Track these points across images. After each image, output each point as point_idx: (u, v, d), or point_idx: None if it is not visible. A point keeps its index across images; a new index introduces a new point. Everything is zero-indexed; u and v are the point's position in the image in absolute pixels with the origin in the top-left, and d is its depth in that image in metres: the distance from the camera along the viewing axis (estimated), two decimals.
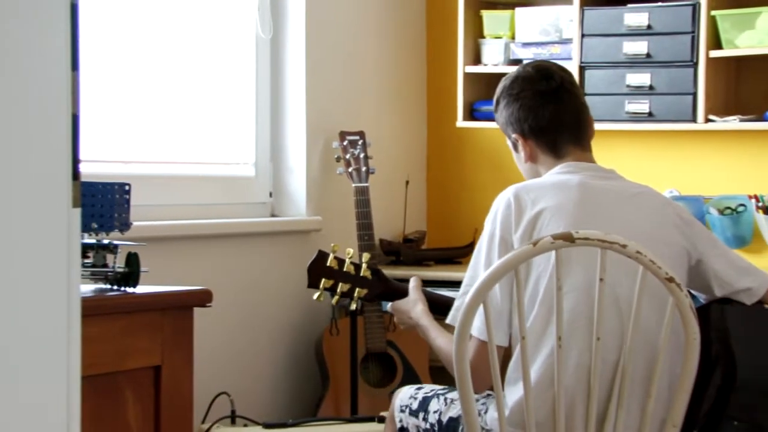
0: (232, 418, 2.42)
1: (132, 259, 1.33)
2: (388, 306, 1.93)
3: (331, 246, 1.89)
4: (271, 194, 2.91)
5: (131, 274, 1.33)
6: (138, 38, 2.57)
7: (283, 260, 2.82)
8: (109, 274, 1.35)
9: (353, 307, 1.98)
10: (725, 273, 1.75)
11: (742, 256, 1.86)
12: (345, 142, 2.87)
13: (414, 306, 1.83)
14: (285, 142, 2.92)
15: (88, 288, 1.36)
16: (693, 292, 1.79)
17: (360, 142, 2.87)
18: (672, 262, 1.65)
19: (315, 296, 1.88)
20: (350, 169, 2.85)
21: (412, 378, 2.77)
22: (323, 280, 1.85)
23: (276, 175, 2.92)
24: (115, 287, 1.36)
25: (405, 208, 3.13)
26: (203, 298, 1.35)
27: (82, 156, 2.36)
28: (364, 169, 2.86)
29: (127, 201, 1.33)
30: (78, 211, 0.67)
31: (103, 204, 1.27)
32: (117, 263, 1.33)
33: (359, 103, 3.09)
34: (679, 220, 1.75)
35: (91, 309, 1.18)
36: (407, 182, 3.13)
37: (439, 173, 3.33)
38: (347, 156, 2.86)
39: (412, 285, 1.87)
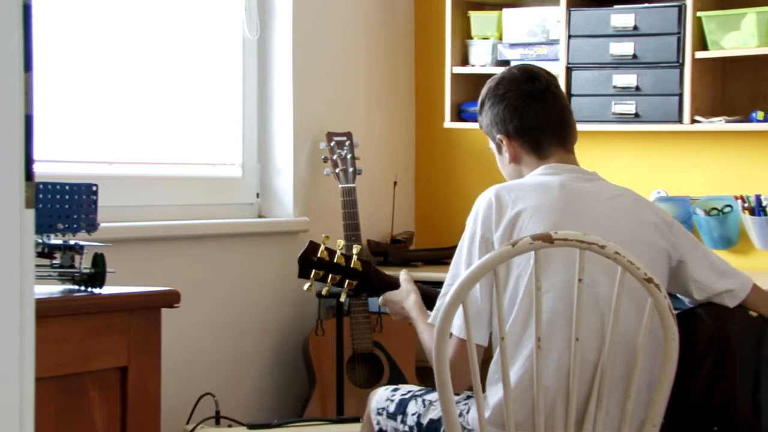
0: (217, 418, 2.42)
1: (98, 260, 1.33)
2: (380, 300, 1.92)
3: (322, 237, 1.89)
4: (258, 195, 2.91)
5: (97, 274, 1.33)
6: (126, 39, 2.57)
7: (270, 261, 2.82)
8: (76, 275, 1.36)
9: (343, 298, 1.98)
10: (704, 276, 1.75)
11: (723, 259, 1.85)
12: (332, 143, 2.87)
13: (407, 296, 1.84)
14: (272, 142, 2.92)
15: (56, 289, 1.35)
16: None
17: (347, 143, 2.87)
18: (652, 263, 1.65)
19: (305, 287, 1.88)
20: (337, 170, 2.85)
21: (398, 378, 2.78)
22: (313, 271, 1.85)
23: (263, 175, 2.92)
24: (82, 288, 1.35)
25: (393, 209, 3.14)
26: (170, 299, 1.35)
27: (67, 157, 2.38)
28: (351, 169, 2.86)
29: (95, 202, 1.32)
30: (31, 212, 0.67)
31: (69, 205, 1.27)
32: (83, 264, 1.33)
33: (347, 103, 3.09)
34: (660, 222, 1.75)
35: (54, 310, 1.18)
36: (395, 183, 3.13)
37: (427, 174, 3.34)
38: (334, 157, 2.86)
39: (404, 277, 1.88)
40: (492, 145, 1.85)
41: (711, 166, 2.94)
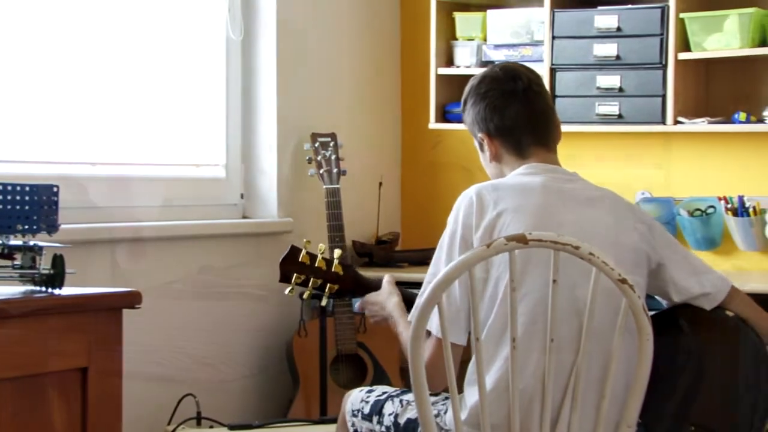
0: (198, 419, 2.41)
1: (57, 261, 1.33)
2: (358, 304, 1.93)
3: (303, 242, 1.89)
4: (242, 196, 2.91)
5: (56, 275, 1.33)
6: (111, 39, 2.57)
7: (253, 262, 2.82)
8: (36, 276, 1.36)
9: (324, 302, 1.98)
10: (683, 279, 1.75)
11: (702, 261, 1.86)
12: (316, 144, 2.86)
13: (388, 297, 1.84)
14: (256, 143, 2.91)
15: (17, 290, 1.36)
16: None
17: (331, 144, 2.87)
18: (631, 264, 1.65)
19: (287, 291, 1.89)
20: (321, 171, 2.85)
21: (382, 379, 2.78)
22: (295, 275, 1.85)
23: (247, 176, 2.92)
24: (42, 289, 1.35)
25: (378, 210, 3.13)
26: (131, 299, 1.35)
27: (50, 158, 2.37)
28: (335, 170, 2.86)
29: (55, 203, 1.32)
30: None
31: (29, 206, 1.27)
32: (42, 265, 1.33)
33: (332, 104, 3.09)
34: (639, 224, 1.75)
35: (12, 311, 1.18)
36: (380, 183, 3.13)
37: (412, 175, 3.34)
38: (318, 158, 2.86)
39: (387, 279, 1.88)
40: (476, 143, 1.85)
41: (694, 167, 2.94)
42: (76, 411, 1.25)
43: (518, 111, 1.77)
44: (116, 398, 1.34)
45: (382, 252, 3.10)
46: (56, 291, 1.36)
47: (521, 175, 1.76)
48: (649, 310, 1.59)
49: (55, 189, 1.33)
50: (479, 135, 1.81)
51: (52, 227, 1.32)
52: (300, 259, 1.85)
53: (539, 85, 1.83)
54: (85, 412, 1.25)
